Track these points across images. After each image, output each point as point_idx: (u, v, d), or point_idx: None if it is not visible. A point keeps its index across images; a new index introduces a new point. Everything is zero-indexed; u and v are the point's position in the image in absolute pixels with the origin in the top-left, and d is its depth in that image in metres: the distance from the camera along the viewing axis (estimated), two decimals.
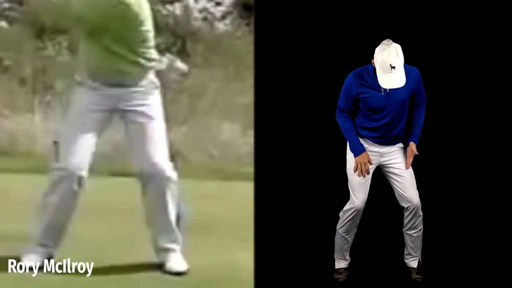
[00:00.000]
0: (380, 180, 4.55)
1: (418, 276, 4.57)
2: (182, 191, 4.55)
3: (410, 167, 4.46)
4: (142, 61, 4.38)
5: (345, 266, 4.66)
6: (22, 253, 4.41)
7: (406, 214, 4.50)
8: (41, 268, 4.37)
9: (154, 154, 4.40)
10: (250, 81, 5.70)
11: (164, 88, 4.58)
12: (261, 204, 4.88)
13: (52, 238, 4.43)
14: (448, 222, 5.06)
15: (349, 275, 4.63)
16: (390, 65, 4.20)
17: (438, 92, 4.89)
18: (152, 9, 4.40)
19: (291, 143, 5.20)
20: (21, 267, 4.35)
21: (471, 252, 4.85)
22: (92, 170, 4.44)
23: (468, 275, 4.59)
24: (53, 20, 4.44)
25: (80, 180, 4.33)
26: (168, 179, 4.44)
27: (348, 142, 4.48)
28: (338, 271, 4.64)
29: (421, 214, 4.50)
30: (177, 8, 11.35)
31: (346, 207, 4.54)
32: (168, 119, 4.54)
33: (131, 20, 4.26)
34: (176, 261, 4.47)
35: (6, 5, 10.02)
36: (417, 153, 4.43)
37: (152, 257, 4.56)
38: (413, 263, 4.60)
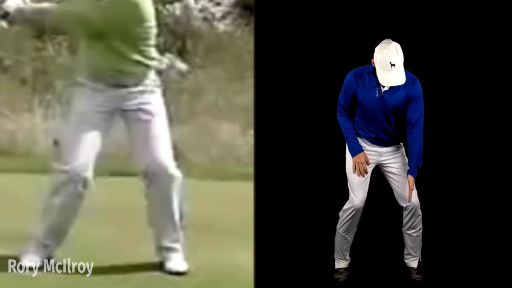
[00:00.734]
0: (380, 179, 4.55)
1: (418, 276, 4.58)
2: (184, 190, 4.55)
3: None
4: (144, 60, 4.37)
5: (345, 266, 4.66)
6: (22, 253, 4.41)
7: (405, 213, 4.51)
8: (41, 268, 4.37)
9: (158, 152, 4.40)
10: (250, 81, 5.70)
11: (164, 88, 4.58)
12: (261, 204, 4.88)
13: (54, 238, 4.43)
14: (448, 222, 5.07)
15: (349, 275, 4.63)
16: (390, 63, 4.20)
17: (438, 92, 4.89)
18: (154, 8, 4.41)
19: (291, 143, 5.20)
20: (21, 267, 4.35)
21: (471, 252, 4.85)
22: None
23: (468, 275, 4.59)
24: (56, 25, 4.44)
25: (85, 182, 4.33)
26: (172, 177, 4.44)
27: (347, 142, 4.49)
28: (338, 271, 4.65)
29: (420, 213, 4.50)
30: (177, 8, 11.35)
31: (345, 207, 4.54)
32: (168, 119, 4.54)
33: (136, 17, 4.26)
34: (177, 261, 4.47)
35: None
36: (413, 188, 4.38)
37: (152, 257, 4.56)
38: (413, 263, 4.60)
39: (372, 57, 4.30)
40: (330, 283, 4.60)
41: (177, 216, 4.50)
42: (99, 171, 4.40)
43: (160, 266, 4.51)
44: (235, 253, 4.80)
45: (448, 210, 5.10)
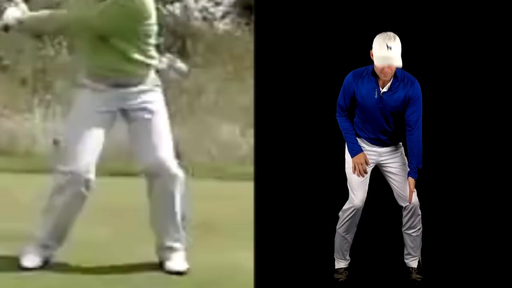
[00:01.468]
0: (380, 179, 4.55)
1: (418, 276, 4.58)
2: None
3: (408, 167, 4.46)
4: (145, 59, 4.37)
5: (345, 266, 4.66)
6: (22, 253, 4.41)
7: (404, 213, 4.51)
8: (41, 268, 4.37)
9: (161, 150, 4.39)
10: (250, 81, 5.70)
11: (164, 88, 4.58)
12: (261, 204, 4.88)
13: (55, 239, 4.43)
14: (448, 222, 5.06)
15: (349, 275, 4.63)
16: (386, 45, 4.21)
17: (437, 92, 4.89)
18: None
19: (291, 143, 5.20)
20: (21, 267, 4.35)
21: (471, 252, 4.84)
22: None
23: (468, 275, 4.59)
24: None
25: (87, 184, 4.33)
26: (175, 176, 4.44)
27: (346, 143, 4.49)
28: (338, 271, 4.65)
29: (420, 213, 4.50)
30: (177, 8, 11.36)
31: (345, 207, 4.54)
32: (168, 119, 4.54)
33: (139, 15, 4.25)
34: (177, 261, 4.47)
35: (7, 5, 10.02)
36: (414, 190, 4.38)
37: (152, 257, 4.56)
38: (413, 263, 4.60)
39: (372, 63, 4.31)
40: (330, 283, 4.60)
41: (179, 216, 4.49)
42: (99, 171, 4.40)
43: (160, 266, 4.51)
44: (235, 253, 4.80)
45: (448, 210, 5.10)
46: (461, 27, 5.04)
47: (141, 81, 4.42)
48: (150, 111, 4.42)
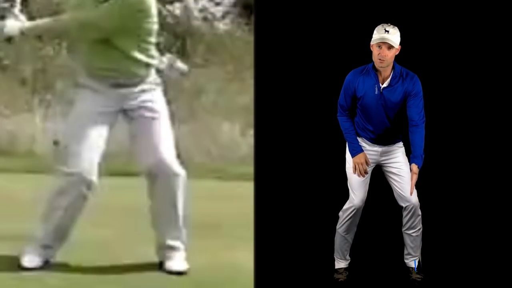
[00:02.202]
0: (380, 179, 4.55)
1: (418, 276, 4.57)
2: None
3: (409, 167, 4.45)
4: (146, 58, 4.37)
5: (345, 266, 4.66)
6: (23, 253, 4.40)
7: (404, 213, 4.51)
8: (41, 268, 4.37)
9: (162, 150, 4.39)
10: (250, 81, 5.70)
11: (165, 88, 4.58)
12: (261, 204, 4.88)
13: (56, 240, 4.42)
14: (448, 222, 5.06)
15: (349, 275, 4.63)
16: (384, 29, 4.25)
17: (437, 91, 4.89)
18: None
19: (291, 143, 5.20)
20: (21, 267, 4.35)
21: (471, 252, 4.85)
22: None
23: (468, 275, 4.59)
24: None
25: (90, 185, 4.32)
26: (177, 175, 4.43)
27: (347, 142, 4.49)
28: (338, 271, 4.65)
29: (420, 213, 4.50)
30: (177, 8, 11.36)
31: (345, 206, 4.54)
32: (168, 119, 4.53)
33: (141, 13, 4.25)
34: (177, 260, 4.47)
35: (6, 5, 10.02)
36: (416, 177, 4.35)
37: (152, 257, 4.56)
38: (413, 263, 4.60)
39: (371, 56, 4.31)
40: (330, 283, 4.60)
41: (181, 215, 4.49)
42: (99, 171, 4.40)
43: (160, 266, 4.51)
44: (235, 253, 4.80)
45: (448, 210, 5.10)
46: (460, 25, 5.04)
47: (142, 80, 4.41)
48: (151, 110, 4.42)
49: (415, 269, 4.57)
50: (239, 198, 5.80)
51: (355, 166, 4.42)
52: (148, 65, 4.41)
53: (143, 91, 4.42)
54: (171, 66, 10.46)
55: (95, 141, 4.33)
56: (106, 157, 4.42)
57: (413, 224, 4.52)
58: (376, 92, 4.36)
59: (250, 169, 5.13)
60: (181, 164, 4.48)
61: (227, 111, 9.79)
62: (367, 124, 4.44)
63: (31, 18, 4.47)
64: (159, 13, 4.39)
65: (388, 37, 4.25)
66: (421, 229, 4.54)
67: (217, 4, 11.63)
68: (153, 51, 4.44)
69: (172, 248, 4.49)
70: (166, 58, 10.41)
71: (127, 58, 4.32)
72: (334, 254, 4.66)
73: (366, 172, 4.44)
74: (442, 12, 5.04)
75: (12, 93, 10.27)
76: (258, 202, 4.88)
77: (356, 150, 4.44)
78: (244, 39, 10.82)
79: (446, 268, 4.68)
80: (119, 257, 4.66)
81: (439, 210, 4.99)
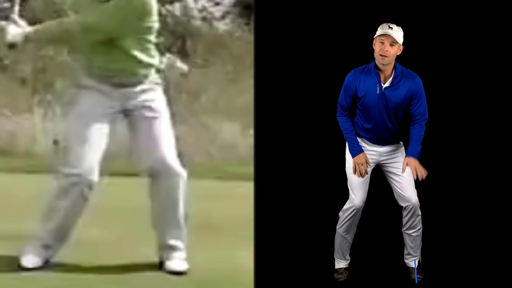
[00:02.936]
0: (380, 179, 4.55)
1: (418, 276, 4.57)
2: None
3: (408, 167, 4.45)
4: (147, 58, 4.37)
5: (345, 266, 4.66)
6: (23, 253, 4.40)
7: (404, 213, 4.51)
8: (41, 268, 4.37)
9: (163, 149, 4.39)
10: (250, 81, 5.70)
11: (165, 88, 4.58)
12: (261, 204, 4.88)
13: (56, 240, 4.42)
14: (448, 222, 5.06)
15: (349, 275, 4.63)
16: (388, 26, 4.27)
17: (437, 91, 4.89)
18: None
19: (291, 143, 5.20)
20: (21, 267, 4.35)
21: (471, 252, 4.85)
22: None
23: (468, 275, 4.58)
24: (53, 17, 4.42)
25: (91, 185, 4.32)
26: (178, 175, 4.43)
27: (347, 143, 4.49)
28: (338, 271, 4.65)
29: (420, 213, 4.50)
30: (177, 8, 11.36)
31: (345, 206, 4.54)
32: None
33: (142, 12, 4.25)
34: (177, 260, 4.46)
35: (6, 5, 10.02)
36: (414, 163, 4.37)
37: (152, 257, 4.56)
38: (413, 263, 4.60)
39: (372, 56, 4.31)
40: (330, 283, 4.60)
41: (182, 214, 4.49)
42: (99, 171, 4.40)
43: (160, 266, 4.51)
44: (235, 253, 4.80)
45: (448, 210, 5.10)
46: (461, 25, 5.04)
47: (143, 80, 4.41)
48: (152, 110, 4.41)
49: (415, 269, 4.57)
50: (239, 198, 5.80)
51: (355, 166, 4.42)
52: (149, 65, 4.41)
53: (144, 90, 4.42)
54: (171, 66, 10.46)
55: (97, 142, 4.33)
56: (106, 157, 4.42)
57: (413, 224, 4.52)
58: (378, 92, 4.35)
59: (250, 169, 5.13)
60: (182, 164, 4.48)
61: (227, 111, 9.80)
62: (367, 124, 4.44)
63: (31, 17, 4.47)
64: (159, 13, 4.39)
65: (391, 32, 4.25)
66: (421, 229, 4.54)
67: (217, 4, 11.63)
68: (154, 51, 4.44)
69: (173, 247, 4.49)
70: (166, 58, 10.42)
71: (129, 58, 4.32)
72: (334, 254, 4.67)
73: (366, 173, 4.44)
74: (442, 13, 5.04)
75: (12, 93, 10.28)
76: (258, 202, 4.88)
77: (356, 150, 4.44)
78: (244, 39, 10.82)
79: (446, 268, 4.68)
80: (119, 257, 4.66)
81: (439, 210, 4.99)
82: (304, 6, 5.11)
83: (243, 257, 4.63)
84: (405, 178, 4.45)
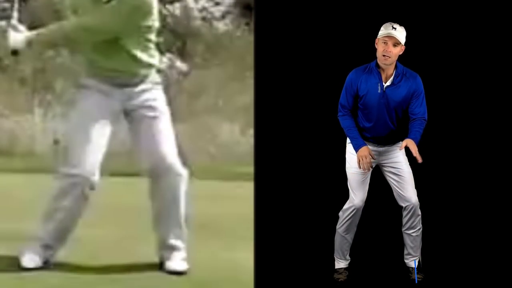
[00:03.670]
0: (380, 179, 4.55)
1: (418, 276, 4.57)
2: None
3: (409, 167, 4.46)
4: (148, 57, 4.37)
5: (345, 266, 4.66)
6: (22, 253, 4.40)
7: (404, 213, 4.51)
8: (41, 268, 4.37)
9: (165, 149, 4.38)
10: (250, 81, 5.71)
11: (165, 88, 4.58)
12: (261, 204, 4.88)
13: (57, 240, 4.42)
14: (448, 221, 5.07)
15: (349, 275, 4.63)
16: (392, 26, 4.27)
17: (437, 91, 4.89)
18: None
19: (291, 143, 5.20)
20: (21, 267, 4.34)
21: (471, 252, 4.85)
22: None
23: (468, 275, 4.59)
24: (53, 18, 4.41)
25: (92, 185, 4.32)
26: (179, 174, 4.43)
27: (349, 139, 4.48)
28: (338, 271, 4.64)
29: (420, 213, 4.50)
30: (177, 8, 11.36)
31: (345, 206, 4.54)
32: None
33: (143, 11, 4.25)
34: (177, 260, 4.46)
35: (6, 4, 10.02)
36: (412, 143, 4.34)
37: (152, 257, 4.56)
38: (413, 263, 4.60)
39: (373, 55, 4.31)
40: (330, 283, 4.60)
41: (182, 214, 4.49)
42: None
43: (160, 266, 4.51)
44: (235, 253, 4.80)
45: (448, 210, 5.10)
46: (461, 25, 5.04)
47: (143, 79, 4.41)
48: (153, 109, 4.41)
49: (415, 269, 4.57)
50: (239, 198, 5.80)
51: (359, 160, 4.40)
52: (149, 65, 4.41)
53: (145, 90, 4.42)
54: (171, 66, 10.46)
55: (98, 142, 4.33)
56: (107, 157, 4.42)
57: (413, 224, 4.52)
58: (379, 91, 4.35)
59: (250, 169, 5.14)
60: (182, 164, 4.48)
61: (227, 111, 9.81)
62: (367, 123, 4.44)
63: (29, 17, 4.45)
64: (159, 13, 4.39)
65: (395, 33, 4.25)
66: (421, 229, 4.54)
67: (217, 4, 11.63)
68: (154, 51, 4.44)
69: (173, 247, 4.49)
70: (166, 58, 10.42)
71: (131, 58, 4.32)
72: (334, 254, 4.67)
73: (371, 166, 4.42)
74: (442, 13, 5.04)
75: (12, 93, 10.28)
76: (258, 202, 4.88)
77: (359, 144, 4.42)
78: (244, 39, 10.83)
79: (446, 268, 4.68)
80: (119, 257, 4.66)
81: (439, 210, 4.99)
82: (304, 6, 5.12)
83: (243, 257, 4.63)
84: (404, 178, 4.45)
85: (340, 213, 4.57)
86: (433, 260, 4.69)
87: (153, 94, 4.44)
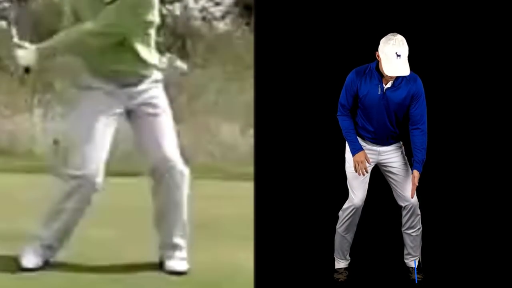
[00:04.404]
0: (380, 179, 4.55)
1: (418, 276, 4.57)
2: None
3: (408, 167, 4.46)
4: (149, 56, 4.37)
5: (345, 266, 4.66)
6: (23, 253, 4.40)
7: (404, 213, 4.51)
8: (41, 268, 4.37)
9: (167, 147, 4.38)
10: (250, 80, 5.70)
11: (165, 88, 4.58)
12: (261, 204, 4.88)
13: (59, 240, 4.42)
14: (448, 222, 5.07)
15: (349, 275, 4.63)
16: (396, 53, 4.20)
17: (438, 91, 4.89)
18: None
19: (291, 143, 5.20)
20: (21, 267, 4.34)
21: (471, 252, 4.85)
22: None
23: (468, 275, 4.59)
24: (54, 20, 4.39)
25: (96, 186, 4.31)
26: (181, 173, 4.43)
27: (347, 142, 4.48)
28: (338, 271, 4.65)
29: (419, 213, 4.51)
30: (177, 8, 11.35)
31: (345, 206, 4.54)
32: None
33: (148, 7, 4.24)
34: (178, 260, 4.46)
35: (6, 4, 10.02)
36: (417, 184, 4.37)
37: (152, 257, 4.56)
38: (413, 263, 4.60)
39: (373, 55, 4.30)
40: (330, 283, 4.60)
41: (185, 213, 4.48)
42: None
43: (160, 266, 4.51)
44: (235, 253, 4.80)
45: (448, 210, 5.10)
46: (461, 25, 5.04)
47: (145, 78, 4.41)
48: (154, 107, 4.40)
49: (415, 269, 4.57)
50: (239, 198, 5.80)
51: (355, 165, 4.42)
52: (151, 64, 4.41)
53: (146, 89, 4.41)
54: (171, 66, 10.46)
55: (101, 143, 4.32)
56: (107, 157, 4.42)
57: (413, 224, 4.52)
58: (379, 93, 4.35)
59: (250, 169, 5.14)
60: (184, 163, 4.48)
61: (227, 111, 9.80)
62: (367, 124, 4.44)
63: (29, 17, 4.44)
64: (159, 13, 4.39)
65: (400, 65, 4.19)
66: (420, 229, 4.55)
67: (217, 4, 11.63)
68: (155, 49, 4.43)
69: (176, 246, 4.48)
70: (166, 58, 10.42)
71: (135, 57, 4.31)
72: (334, 254, 4.67)
73: (366, 171, 4.43)
74: (442, 13, 5.04)
75: (12, 93, 10.27)
76: (258, 202, 4.88)
77: (357, 149, 4.43)
78: (244, 39, 10.82)
79: (446, 268, 4.69)
80: (119, 257, 4.66)
81: (439, 210, 5.00)
82: (304, 6, 5.12)
83: (243, 257, 4.63)
84: (404, 177, 4.46)
85: (340, 213, 4.57)
86: (433, 260, 4.69)
87: (154, 92, 4.44)
